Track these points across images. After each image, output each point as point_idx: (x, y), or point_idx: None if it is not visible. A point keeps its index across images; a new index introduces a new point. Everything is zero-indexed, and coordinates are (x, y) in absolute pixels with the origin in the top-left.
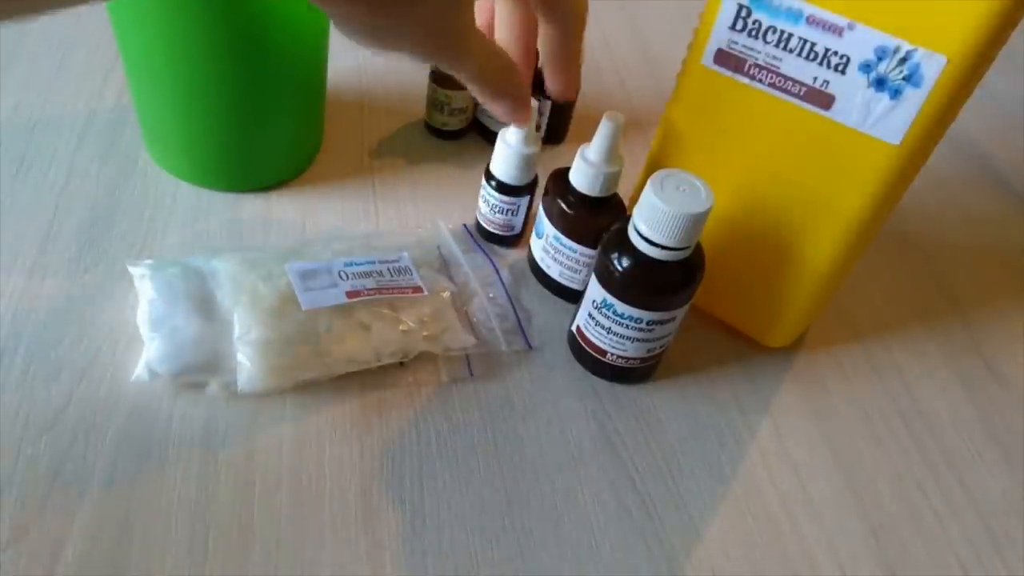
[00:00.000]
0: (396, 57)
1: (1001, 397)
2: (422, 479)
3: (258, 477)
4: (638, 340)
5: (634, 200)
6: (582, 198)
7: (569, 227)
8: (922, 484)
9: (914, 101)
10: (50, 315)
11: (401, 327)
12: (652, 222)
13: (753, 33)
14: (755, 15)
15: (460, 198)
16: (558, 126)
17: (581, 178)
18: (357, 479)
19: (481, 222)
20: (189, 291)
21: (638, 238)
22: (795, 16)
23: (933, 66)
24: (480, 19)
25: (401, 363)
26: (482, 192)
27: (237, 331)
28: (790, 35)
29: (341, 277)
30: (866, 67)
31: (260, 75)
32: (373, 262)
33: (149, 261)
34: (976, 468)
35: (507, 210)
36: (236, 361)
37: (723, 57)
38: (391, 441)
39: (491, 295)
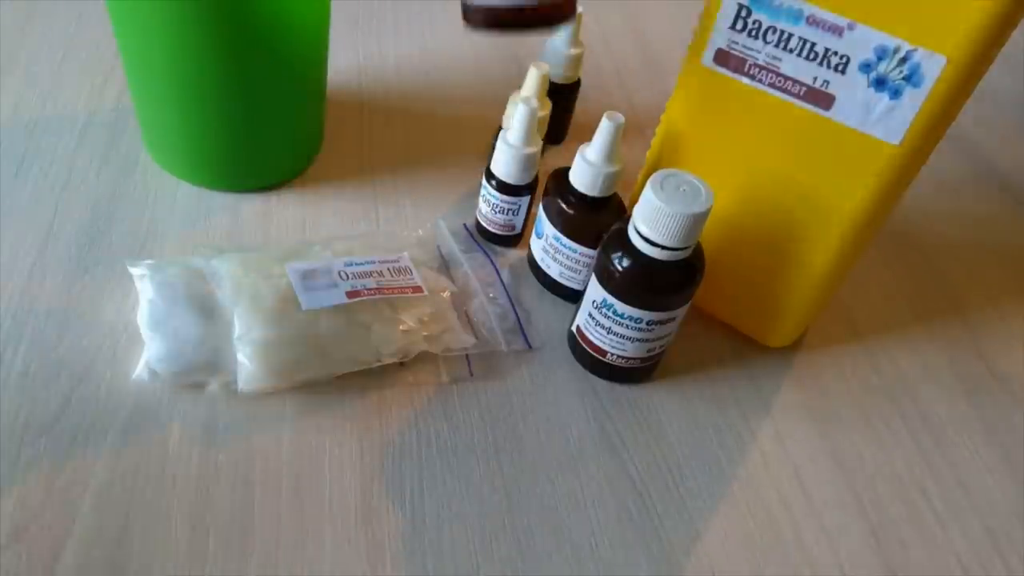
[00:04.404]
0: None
1: (1001, 397)
2: (422, 479)
3: (258, 477)
4: (638, 340)
5: (634, 200)
6: (582, 198)
7: (569, 227)
8: (922, 484)
9: (914, 101)
10: (50, 315)
11: (401, 327)
12: (652, 222)
13: (753, 33)
14: (755, 15)
15: (460, 198)
16: (558, 126)
17: (581, 178)
18: (357, 479)
19: (481, 222)
20: (189, 291)
21: (638, 238)
22: (795, 16)
23: (933, 66)
24: None
25: (401, 363)
26: (482, 192)
27: (237, 331)
28: (790, 35)
29: (341, 277)
30: (866, 67)
31: (260, 75)
32: (373, 262)
33: (149, 261)
34: (976, 468)
35: (507, 210)
36: (236, 361)
37: (723, 57)
38: (391, 441)
39: (491, 295)
